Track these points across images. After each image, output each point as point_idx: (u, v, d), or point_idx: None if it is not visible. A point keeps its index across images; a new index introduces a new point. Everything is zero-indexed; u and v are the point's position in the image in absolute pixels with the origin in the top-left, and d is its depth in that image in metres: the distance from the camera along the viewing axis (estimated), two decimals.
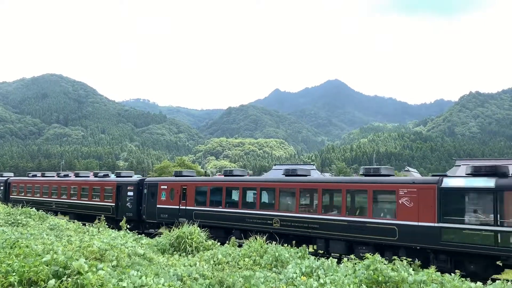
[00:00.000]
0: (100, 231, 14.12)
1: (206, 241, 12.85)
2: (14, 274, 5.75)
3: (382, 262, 7.79)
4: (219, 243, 13.09)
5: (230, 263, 9.77)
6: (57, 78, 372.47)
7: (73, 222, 18.13)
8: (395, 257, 8.64)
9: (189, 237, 12.42)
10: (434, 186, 15.03)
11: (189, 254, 11.71)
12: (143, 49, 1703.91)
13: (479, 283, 7.49)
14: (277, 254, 9.93)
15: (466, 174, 15.59)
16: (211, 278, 7.13)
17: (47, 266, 6.05)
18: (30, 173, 41.72)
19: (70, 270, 5.96)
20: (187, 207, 22.78)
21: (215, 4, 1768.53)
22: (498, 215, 13.58)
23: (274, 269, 9.28)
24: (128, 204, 26.39)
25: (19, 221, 17.00)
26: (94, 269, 6.13)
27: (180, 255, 11.48)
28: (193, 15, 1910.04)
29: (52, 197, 32.46)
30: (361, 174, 19.04)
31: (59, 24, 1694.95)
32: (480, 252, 13.72)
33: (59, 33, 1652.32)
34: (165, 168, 57.31)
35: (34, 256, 6.79)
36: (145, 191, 25.46)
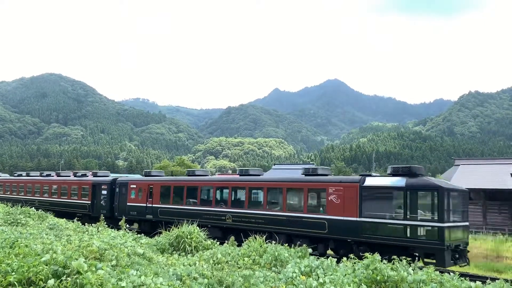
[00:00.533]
0: (99, 231, 14.13)
1: (205, 240, 12.86)
2: (13, 274, 5.75)
3: (381, 261, 7.80)
4: (218, 243, 13.14)
5: (229, 262, 9.77)
6: (56, 77, 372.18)
7: (72, 222, 18.15)
8: (390, 255, 8.62)
9: (188, 236, 12.43)
10: (357, 184, 16.62)
11: (189, 253, 11.72)
12: (142, 48, 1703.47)
13: (478, 283, 7.50)
14: (276, 253, 9.93)
15: (387, 174, 17.30)
16: (211, 278, 7.13)
17: (47, 265, 6.05)
18: (16, 173, 43.72)
19: (70, 269, 5.96)
20: (153, 205, 24.41)
21: (214, 3, 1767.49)
22: (408, 211, 15.34)
23: (273, 268, 9.29)
24: (102, 202, 27.92)
25: (19, 221, 17.02)
26: (94, 269, 6.13)
27: (179, 254, 11.49)
28: (193, 14, 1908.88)
29: (35, 195, 34.03)
30: (302, 174, 20.58)
31: (58, 23, 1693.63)
32: (393, 243, 15.22)
33: (58, 33, 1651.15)
34: (165, 167, 57.20)
35: (33, 255, 6.79)
36: (117, 190, 27.13)
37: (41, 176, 36.55)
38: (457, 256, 15.02)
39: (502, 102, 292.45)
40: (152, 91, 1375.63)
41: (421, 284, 7.06)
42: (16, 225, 16.23)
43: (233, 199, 21.31)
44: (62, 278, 5.78)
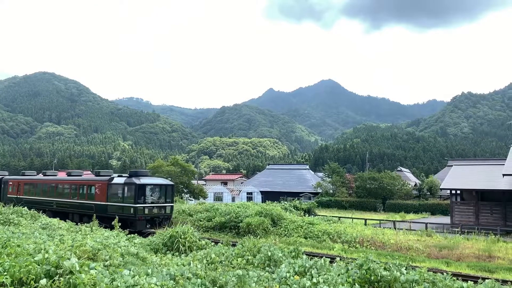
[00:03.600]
0: (93, 230, 14.05)
1: (199, 240, 12.84)
2: (5, 274, 5.69)
3: (374, 261, 7.83)
4: (213, 243, 13.12)
5: (223, 262, 9.76)
6: (50, 76, 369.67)
7: (65, 221, 18.03)
8: (392, 261, 8.65)
9: (182, 236, 12.41)
10: (107, 182, 26.87)
11: (182, 253, 11.69)
12: (137, 47, 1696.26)
13: (470, 282, 7.56)
14: (270, 253, 9.93)
15: (125, 175, 27.67)
16: (204, 278, 7.11)
17: (39, 265, 6.00)
18: None
19: (62, 269, 5.91)
20: (20, 196, 34.49)
21: (209, 3, 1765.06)
22: (123, 197, 25.47)
23: (267, 268, 9.29)
24: None
25: (11, 220, 16.88)
26: (86, 269, 6.09)
27: (173, 254, 11.46)
28: (188, 14, 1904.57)
29: None
30: (94, 174, 32.37)
31: (51, 22, 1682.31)
32: (120, 216, 22.69)
33: (52, 31, 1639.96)
34: (159, 167, 56.54)
35: (25, 255, 6.73)
36: (2, 186, 37.98)
37: None
38: (157, 224, 24.53)
39: (494, 103, 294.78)
40: (146, 90, 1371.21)
41: (413, 284, 7.10)
42: (8, 225, 16.09)
43: (57, 192, 31.33)
44: (55, 278, 5.73)
